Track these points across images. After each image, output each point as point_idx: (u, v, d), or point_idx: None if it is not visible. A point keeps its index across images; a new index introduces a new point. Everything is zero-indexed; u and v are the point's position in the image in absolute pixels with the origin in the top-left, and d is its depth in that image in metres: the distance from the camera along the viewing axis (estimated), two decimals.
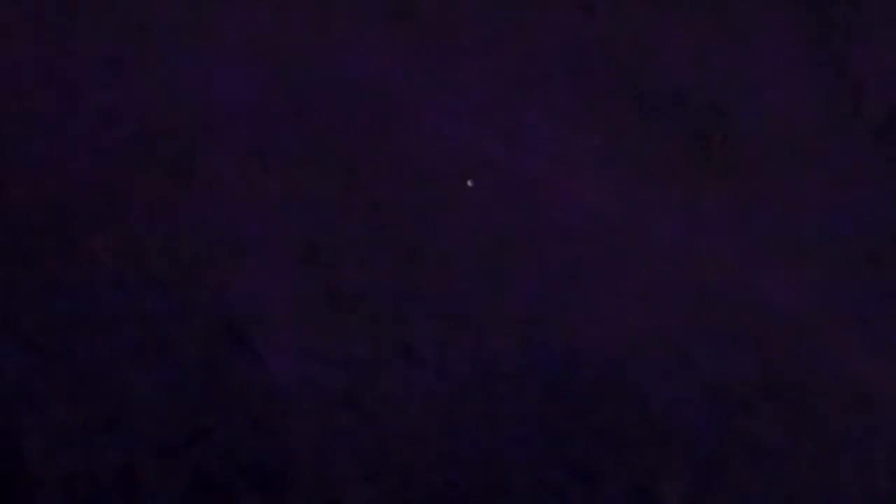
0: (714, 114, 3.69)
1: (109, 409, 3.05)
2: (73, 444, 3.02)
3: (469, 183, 3.46)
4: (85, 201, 3.40)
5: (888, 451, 3.21)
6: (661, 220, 3.50)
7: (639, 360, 3.22)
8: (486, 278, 3.32)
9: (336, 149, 3.53)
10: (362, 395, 3.10)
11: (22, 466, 2.99)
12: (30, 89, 3.59)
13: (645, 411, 3.14)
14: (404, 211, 3.42)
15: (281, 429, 3.04)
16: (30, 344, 3.13)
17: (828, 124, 3.67)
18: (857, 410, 3.26)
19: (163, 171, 3.46)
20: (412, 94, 3.64)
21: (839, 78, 3.72)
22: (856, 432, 3.22)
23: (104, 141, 3.50)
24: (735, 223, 3.53)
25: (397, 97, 3.64)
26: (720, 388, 3.20)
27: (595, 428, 3.10)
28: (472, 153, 3.57)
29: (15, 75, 3.56)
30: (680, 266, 3.43)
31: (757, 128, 3.69)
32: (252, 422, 3.03)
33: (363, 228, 3.38)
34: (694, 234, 3.50)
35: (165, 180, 3.44)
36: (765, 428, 3.13)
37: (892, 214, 3.55)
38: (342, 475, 3.00)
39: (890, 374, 3.32)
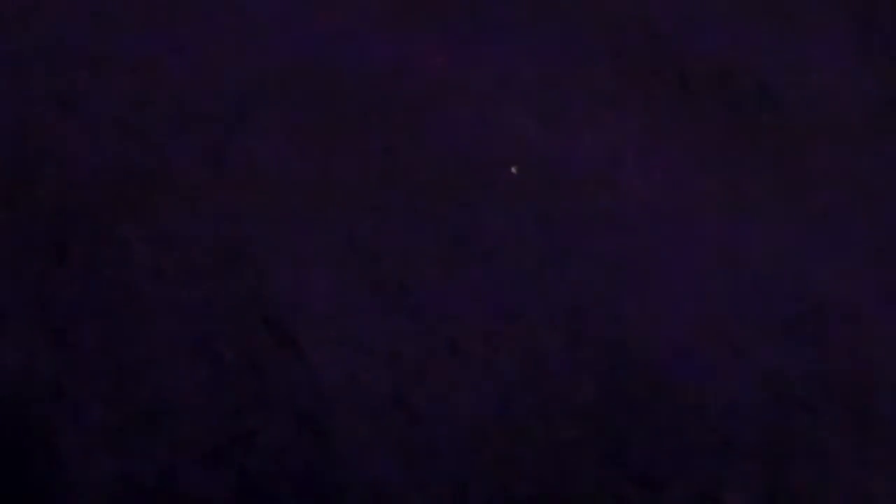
0: (762, 94, 3.38)
1: (148, 409, 2.73)
2: (111, 447, 2.70)
3: (513, 169, 3.14)
4: (117, 187, 3.07)
5: None
6: (709, 205, 3.18)
7: (694, 357, 2.92)
8: (532, 269, 3.00)
9: (372, 133, 3.20)
10: (409, 394, 2.80)
11: (58, 469, 2.67)
12: (60, 69, 3.24)
13: (703, 411, 2.84)
14: (447, 197, 3.10)
15: (327, 429, 2.73)
16: (62, 340, 2.81)
17: (880, 105, 3.36)
18: None
19: (197, 155, 3.12)
20: (449, 76, 3.30)
21: (891, 58, 3.40)
22: None
23: (136, 123, 3.16)
24: (785, 209, 3.22)
25: (434, 79, 3.30)
26: (780, 386, 2.90)
27: (653, 429, 2.80)
28: (513, 136, 3.25)
29: (45, 53, 3.21)
30: (730, 254, 3.12)
31: (806, 109, 3.38)
32: (297, 422, 2.72)
33: (405, 216, 3.06)
34: (742, 221, 3.19)
35: (200, 165, 3.10)
36: (828, 429, 2.84)
37: None
38: (390, 480, 2.69)
39: None
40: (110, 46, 3.27)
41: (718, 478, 2.76)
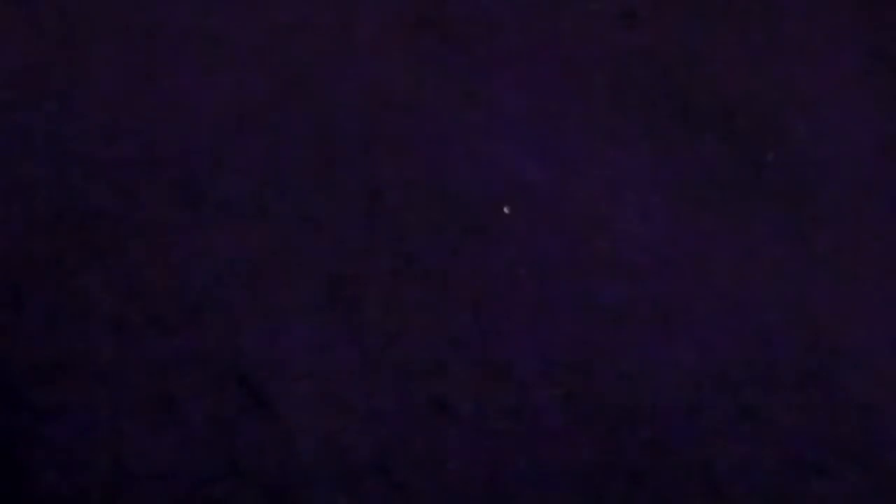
0: (766, 130, 3.00)
1: (106, 479, 2.36)
2: None
3: (506, 209, 2.76)
4: (81, 230, 2.69)
5: None
6: (713, 247, 2.81)
7: (699, 415, 2.55)
8: (526, 319, 2.63)
9: (359, 171, 2.82)
10: (391, 460, 2.42)
11: None
12: (25, 102, 2.86)
13: (710, 476, 2.47)
14: (435, 241, 2.72)
15: (301, 502, 2.35)
16: (16, 399, 2.43)
17: (890, 143, 2.99)
18: None
19: (169, 195, 2.74)
20: (440, 110, 2.93)
21: None
22: None
23: (106, 161, 2.78)
24: (792, 251, 2.85)
25: (424, 113, 2.92)
26: (791, 447, 2.53)
27: (656, 495, 2.43)
28: (508, 174, 2.87)
29: (10, 87, 2.83)
30: (735, 300, 2.74)
31: (813, 146, 3.01)
32: (268, 494, 2.34)
33: (390, 261, 2.68)
34: (748, 264, 2.82)
35: (171, 206, 2.73)
36: (843, 495, 2.47)
37: None
38: None
39: None
40: (79, 77, 2.89)
41: None
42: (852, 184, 2.93)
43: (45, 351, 2.51)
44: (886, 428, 2.62)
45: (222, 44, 2.95)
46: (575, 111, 2.94)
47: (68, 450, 2.37)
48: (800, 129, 2.95)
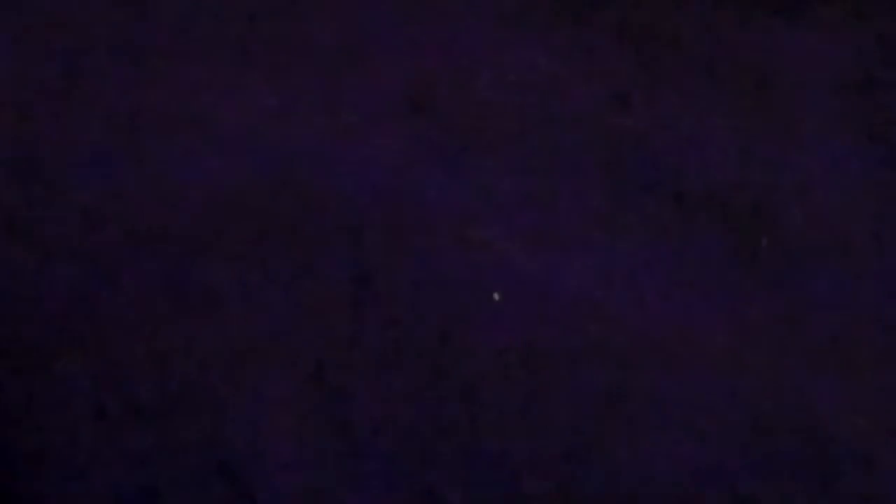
0: (760, 215, 2.89)
1: None
2: None
3: (496, 296, 2.65)
4: (60, 316, 2.57)
5: None
6: (708, 334, 2.69)
7: None
8: (517, 407, 2.51)
9: (346, 256, 2.71)
10: None
11: None
12: (7, 186, 2.76)
13: None
14: (424, 327, 2.61)
15: None
16: None
17: (883, 226, 2.88)
18: None
19: (152, 282, 2.63)
20: (430, 194, 2.82)
21: (895, 176, 2.93)
22: None
23: (88, 247, 2.67)
24: (787, 337, 2.73)
25: (413, 197, 2.82)
26: None
27: None
28: (498, 260, 2.76)
29: None
30: (730, 388, 2.63)
31: (807, 230, 2.90)
32: None
33: (377, 348, 2.56)
34: (742, 350, 2.70)
35: (154, 294, 2.61)
36: None
37: None
38: None
39: None
40: (64, 161, 2.79)
41: None
42: (849, 269, 2.82)
43: (22, 440, 2.39)
44: None
45: (209, 127, 2.85)
46: (566, 195, 2.84)
47: None
48: (794, 213, 2.85)
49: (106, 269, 2.62)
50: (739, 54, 3.04)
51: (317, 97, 2.90)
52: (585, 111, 2.96)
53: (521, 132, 2.95)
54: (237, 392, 2.47)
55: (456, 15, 3.06)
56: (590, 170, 2.87)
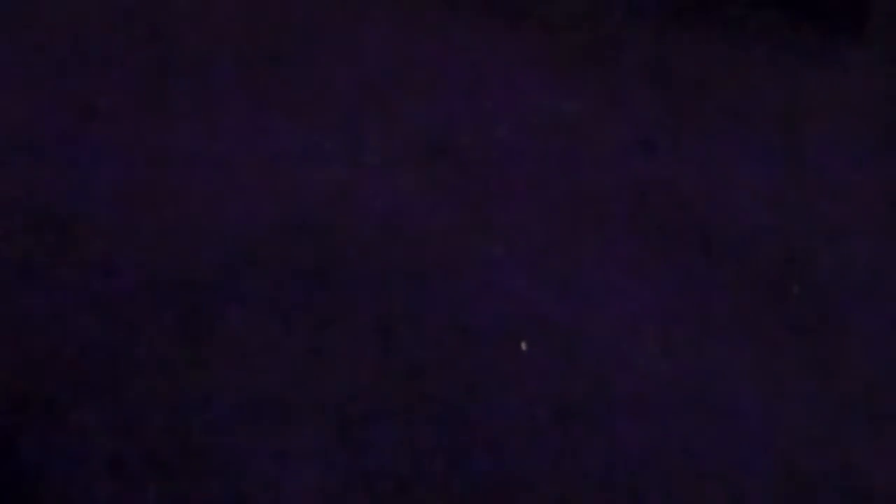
0: (791, 262, 2.80)
1: None
2: None
3: (523, 345, 2.55)
4: (77, 366, 2.47)
5: None
6: (738, 385, 2.60)
7: None
8: (548, 462, 2.41)
9: (370, 303, 2.61)
10: None
11: None
12: (23, 230, 2.66)
13: None
14: (449, 378, 2.51)
15: None
16: None
17: None
18: None
19: (169, 330, 2.53)
20: (453, 240, 2.73)
21: None
22: None
23: (104, 293, 2.57)
24: (820, 387, 2.64)
25: (437, 243, 2.72)
26: None
27: None
28: (524, 308, 2.66)
29: (8, 216, 2.63)
30: (764, 441, 2.53)
31: (839, 278, 2.81)
32: None
33: (402, 400, 2.46)
34: (775, 402, 2.60)
35: (171, 342, 2.51)
36: None
37: None
38: None
39: None
40: (80, 207, 2.70)
41: None
42: (881, 317, 2.72)
43: (38, 492, 2.28)
44: None
45: (229, 170, 2.75)
46: (592, 242, 2.74)
47: None
48: (825, 260, 2.75)
49: (124, 317, 2.52)
50: (767, 98, 2.96)
51: (338, 141, 2.80)
52: (611, 156, 2.87)
53: (544, 177, 2.85)
54: (258, 445, 2.36)
55: (478, 58, 2.97)
56: (616, 216, 2.78)
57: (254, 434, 2.38)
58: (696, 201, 2.82)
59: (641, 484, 2.37)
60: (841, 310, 2.72)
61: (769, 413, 2.54)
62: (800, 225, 2.82)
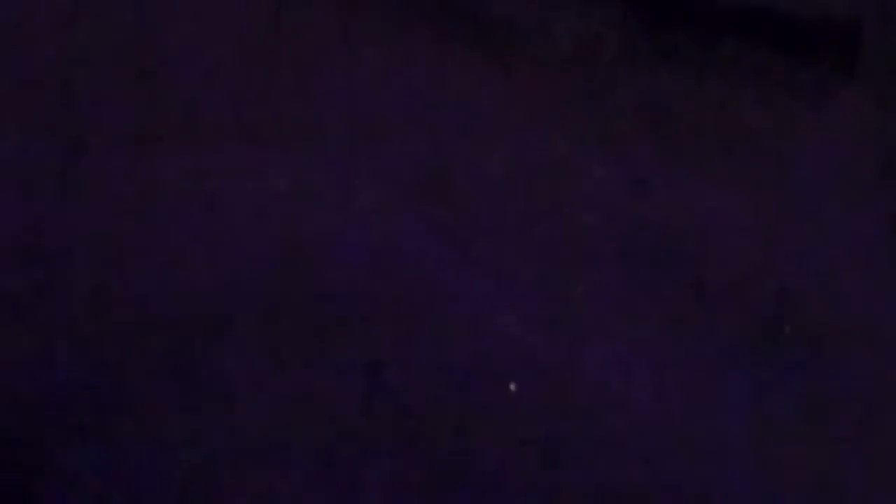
0: (783, 301, 2.78)
1: None
2: None
3: (512, 386, 2.53)
4: (64, 405, 2.45)
5: None
6: (732, 426, 2.57)
7: None
8: (535, 501, 2.38)
9: (359, 342, 2.59)
10: None
11: None
12: (11, 269, 2.64)
13: None
14: (438, 418, 2.49)
15: None
16: None
17: None
18: None
19: (157, 369, 2.51)
20: (443, 278, 2.71)
21: None
22: None
23: (92, 334, 2.55)
24: (814, 428, 2.61)
25: (427, 281, 2.71)
26: None
27: None
28: (514, 348, 2.64)
29: None
30: (758, 484, 2.50)
31: (832, 317, 2.79)
32: None
33: (390, 441, 2.44)
34: (766, 442, 2.58)
35: (160, 383, 2.49)
36: None
37: None
38: None
39: None
40: (69, 243, 2.68)
41: None
42: (874, 357, 2.70)
43: None
44: None
45: (220, 208, 2.74)
46: (583, 280, 2.72)
47: None
48: (817, 300, 2.73)
49: (111, 356, 2.50)
50: (760, 136, 2.94)
51: (329, 179, 2.79)
52: (602, 194, 2.86)
53: (536, 215, 2.84)
54: (246, 485, 2.34)
55: (471, 96, 2.96)
56: (608, 255, 2.76)
57: (241, 475, 2.35)
58: (687, 240, 2.80)
59: None
60: (833, 350, 2.70)
61: (760, 454, 2.51)
62: (792, 264, 2.80)
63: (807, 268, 2.80)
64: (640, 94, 2.98)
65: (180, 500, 2.33)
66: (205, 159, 2.81)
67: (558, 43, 3.01)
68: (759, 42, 3.00)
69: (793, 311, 2.73)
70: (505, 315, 2.65)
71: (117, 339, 2.51)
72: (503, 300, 2.68)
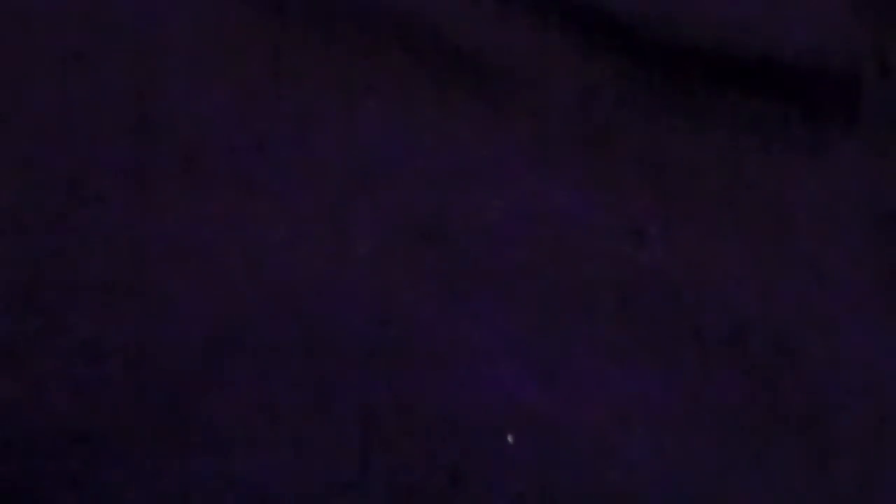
0: (781, 353, 2.77)
1: None
2: None
3: (509, 437, 2.52)
4: (55, 455, 2.43)
5: None
6: (729, 479, 2.55)
7: None
8: None
9: (353, 392, 2.58)
10: None
11: None
12: (3, 315, 2.63)
13: None
14: (434, 470, 2.47)
15: None
16: None
17: None
18: None
19: (151, 416, 2.49)
20: (441, 329, 2.69)
21: None
22: None
23: (85, 381, 2.54)
24: (811, 482, 2.59)
25: (423, 330, 2.69)
26: None
27: None
28: (511, 398, 2.62)
29: None
30: None
31: (831, 370, 2.77)
32: None
33: (386, 492, 2.42)
34: (765, 496, 2.56)
35: (154, 430, 2.47)
36: None
37: None
38: None
39: None
40: (65, 292, 2.67)
41: None
42: (873, 409, 2.68)
43: None
44: None
45: (214, 258, 2.73)
46: (581, 331, 2.71)
47: None
48: (817, 353, 2.72)
49: (105, 405, 2.49)
50: (759, 187, 2.94)
51: (325, 227, 2.78)
52: (601, 244, 2.84)
53: (533, 266, 2.83)
54: None
55: (469, 145, 2.96)
56: (606, 305, 2.75)
57: None
58: (686, 291, 2.79)
59: None
60: (833, 403, 2.68)
61: None
62: (791, 317, 2.79)
63: (806, 318, 2.79)
64: (640, 144, 2.97)
65: None
66: (202, 206, 2.80)
67: (558, 92, 3.01)
68: (759, 92, 3.00)
69: (792, 363, 2.72)
70: (503, 366, 2.64)
71: (112, 387, 2.49)
72: (501, 350, 2.67)
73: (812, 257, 2.88)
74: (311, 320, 2.53)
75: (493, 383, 2.45)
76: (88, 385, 2.40)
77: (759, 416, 2.52)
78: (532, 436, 2.35)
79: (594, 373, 2.52)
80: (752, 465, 2.45)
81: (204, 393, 2.36)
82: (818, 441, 2.52)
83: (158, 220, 2.75)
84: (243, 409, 2.35)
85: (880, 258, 2.97)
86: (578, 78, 2.56)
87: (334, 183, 2.75)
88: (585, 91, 2.66)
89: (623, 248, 2.84)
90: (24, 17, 2.04)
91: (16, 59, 2.24)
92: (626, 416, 2.48)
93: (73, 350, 2.58)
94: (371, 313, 2.63)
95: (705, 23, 2.31)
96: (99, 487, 2.22)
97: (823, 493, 2.47)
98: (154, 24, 2.01)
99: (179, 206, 2.69)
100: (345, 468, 2.28)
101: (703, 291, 2.77)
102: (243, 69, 2.57)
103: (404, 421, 2.35)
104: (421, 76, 2.46)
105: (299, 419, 2.42)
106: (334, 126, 2.52)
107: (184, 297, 2.63)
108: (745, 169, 2.97)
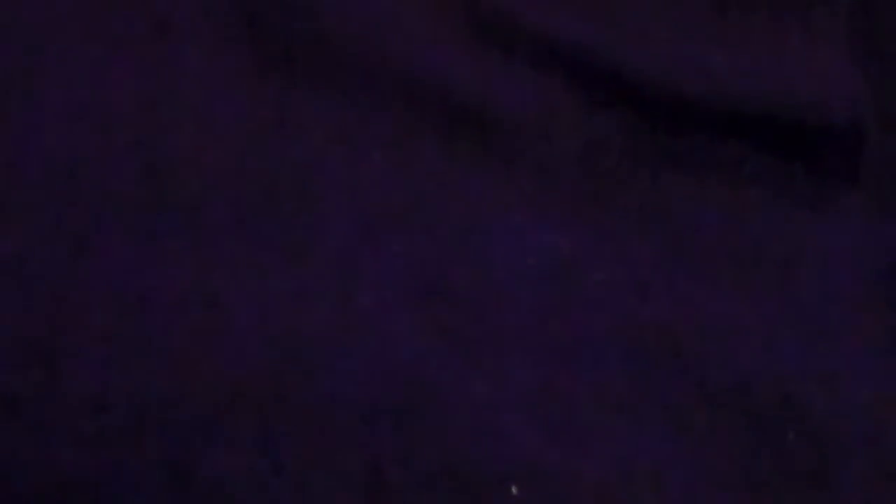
0: (785, 406, 2.77)
1: None
2: None
3: (514, 490, 2.52)
4: (61, 502, 2.44)
5: None
6: None
7: None
8: None
9: (359, 446, 2.58)
10: None
11: None
12: (10, 371, 2.64)
13: None
14: None
15: None
16: None
17: None
18: None
19: (155, 468, 2.50)
20: (445, 381, 2.70)
21: None
22: None
23: (89, 433, 2.54)
24: None
25: (428, 385, 2.70)
26: None
27: None
28: (516, 451, 2.63)
29: None
30: None
31: (836, 426, 2.77)
32: None
33: None
34: None
35: (158, 481, 2.48)
36: None
37: None
38: None
39: None
40: (68, 345, 2.68)
41: None
42: (878, 464, 2.69)
43: None
44: None
45: (220, 309, 2.74)
46: (586, 385, 2.72)
47: None
48: (821, 406, 2.73)
49: (109, 455, 2.49)
50: (762, 240, 2.95)
51: (330, 280, 2.79)
52: (605, 297, 2.86)
53: (539, 318, 2.84)
54: None
55: (474, 198, 2.98)
56: (610, 359, 2.76)
57: None
58: (690, 344, 2.80)
59: None
60: (837, 457, 2.69)
61: None
62: (795, 370, 2.80)
63: (810, 373, 2.80)
64: (643, 197, 2.99)
65: None
66: (206, 260, 2.82)
67: (563, 146, 3.04)
68: (762, 147, 3.03)
69: (796, 416, 2.72)
70: (506, 417, 2.65)
71: (116, 439, 2.50)
72: (505, 402, 2.68)
73: (814, 311, 2.90)
74: (316, 372, 2.54)
75: (498, 435, 2.46)
76: (91, 437, 2.42)
77: (765, 470, 2.53)
78: (536, 488, 2.36)
79: (599, 426, 2.53)
80: None
81: (209, 444, 2.37)
82: (824, 495, 2.53)
83: (163, 272, 2.77)
84: (247, 462, 2.36)
85: (882, 312, 2.99)
86: (582, 132, 2.60)
87: (339, 234, 2.78)
88: (589, 145, 2.69)
89: (627, 300, 2.87)
90: (32, 67, 2.07)
91: (24, 107, 2.27)
92: (631, 470, 2.49)
93: (75, 402, 2.59)
94: (374, 365, 2.65)
95: (708, 78, 2.34)
96: None
97: None
98: (161, 72, 2.03)
99: (184, 256, 2.71)
100: None
101: (707, 345, 2.78)
102: (246, 124, 2.61)
103: (409, 473, 2.36)
104: (426, 129, 2.49)
105: (304, 473, 2.43)
106: (339, 177, 2.55)
107: (187, 350, 2.65)
108: (748, 223, 2.99)
